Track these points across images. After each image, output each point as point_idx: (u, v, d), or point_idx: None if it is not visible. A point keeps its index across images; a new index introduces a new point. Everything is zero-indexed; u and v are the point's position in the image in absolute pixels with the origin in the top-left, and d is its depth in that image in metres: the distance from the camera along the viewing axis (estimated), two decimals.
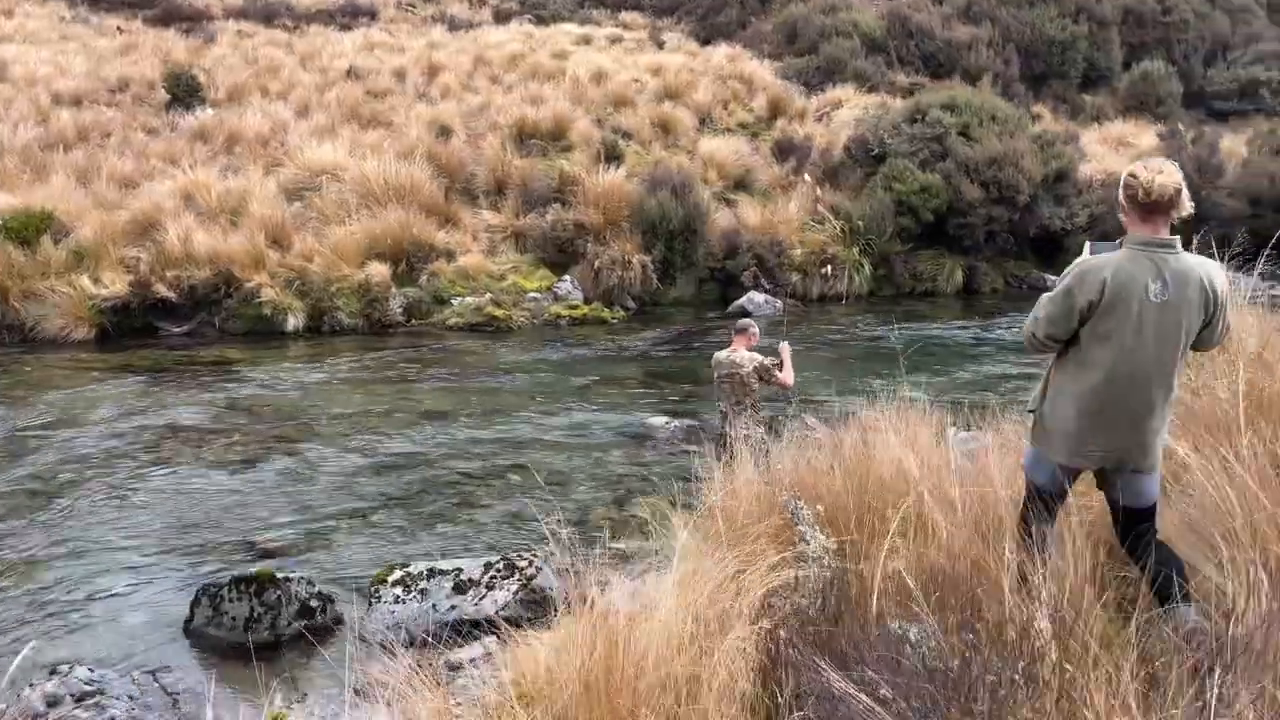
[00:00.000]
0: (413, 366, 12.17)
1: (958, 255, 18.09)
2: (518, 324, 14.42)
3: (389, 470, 8.36)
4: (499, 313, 14.33)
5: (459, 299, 14.63)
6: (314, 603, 5.71)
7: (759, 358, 7.26)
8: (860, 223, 17.17)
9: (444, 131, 18.50)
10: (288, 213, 15.10)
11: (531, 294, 15.06)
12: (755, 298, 15.83)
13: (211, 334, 13.80)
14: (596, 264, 15.55)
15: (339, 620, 5.73)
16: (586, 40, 30.70)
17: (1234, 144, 23.65)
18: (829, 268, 16.91)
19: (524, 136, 18.71)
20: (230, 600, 5.63)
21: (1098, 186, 19.72)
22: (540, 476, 7.18)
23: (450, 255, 15.25)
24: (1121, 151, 23.18)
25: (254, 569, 5.89)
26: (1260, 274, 5.54)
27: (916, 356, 13.25)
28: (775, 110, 22.28)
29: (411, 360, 12.51)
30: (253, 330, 13.78)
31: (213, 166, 16.42)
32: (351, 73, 23.53)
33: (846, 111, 22.70)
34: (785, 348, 7.50)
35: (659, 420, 9.47)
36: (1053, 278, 19.48)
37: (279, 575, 5.77)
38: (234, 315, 13.84)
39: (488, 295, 14.70)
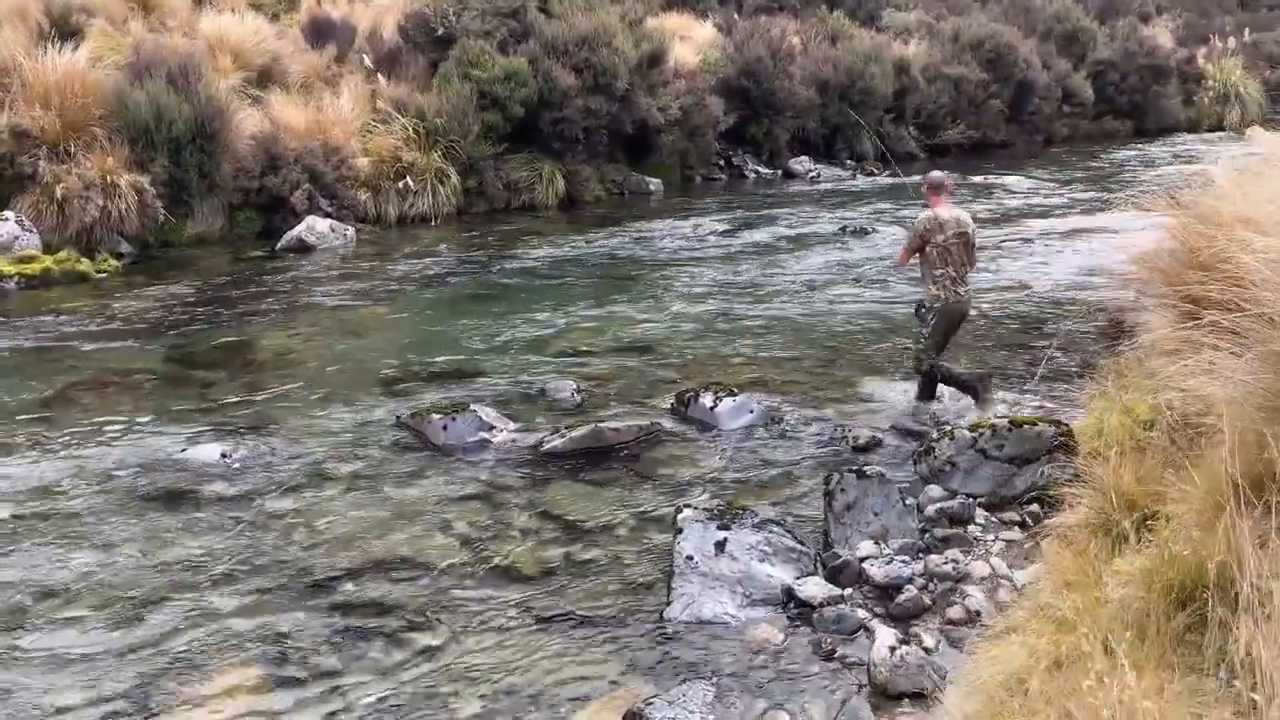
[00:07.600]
0: None
1: (552, 158, 15.05)
2: None
3: None
4: None
5: None
6: None
7: None
8: (438, 120, 13.39)
9: None
10: None
11: None
12: (317, 225, 11.51)
13: None
14: (60, 191, 10.12)
15: None
16: None
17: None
18: (407, 179, 13.00)
19: None
20: None
21: (679, 77, 17.85)
22: None
23: None
24: (683, 42, 21.72)
25: None
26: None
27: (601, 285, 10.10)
28: None
29: None
30: None
31: None
32: None
33: None
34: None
35: (211, 451, 5.25)
36: (655, 182, 17.31)
37: None
38: None
39: None
